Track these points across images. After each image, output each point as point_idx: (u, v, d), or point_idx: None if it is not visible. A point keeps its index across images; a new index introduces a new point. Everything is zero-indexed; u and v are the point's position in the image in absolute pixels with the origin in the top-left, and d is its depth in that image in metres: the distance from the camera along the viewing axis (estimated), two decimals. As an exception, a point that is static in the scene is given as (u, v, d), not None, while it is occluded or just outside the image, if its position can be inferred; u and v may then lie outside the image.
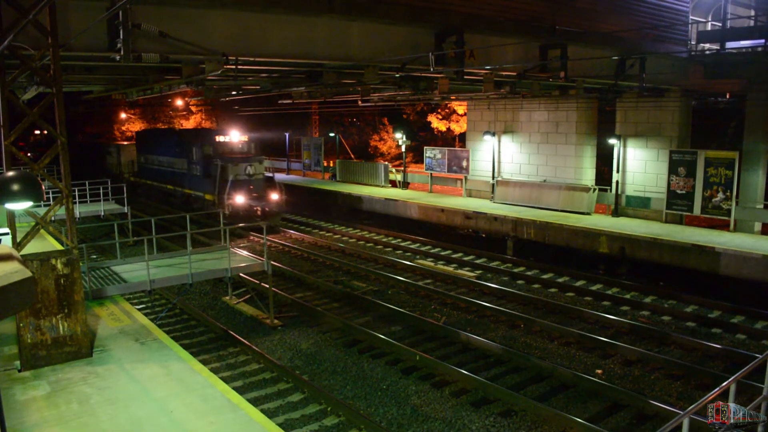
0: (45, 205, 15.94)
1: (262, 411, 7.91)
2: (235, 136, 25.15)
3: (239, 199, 22.54)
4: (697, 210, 18.78)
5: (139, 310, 12.26)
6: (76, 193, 20.94)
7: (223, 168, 23.08)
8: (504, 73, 14.94)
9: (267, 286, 13.61)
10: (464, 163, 26.40)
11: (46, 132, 61.68)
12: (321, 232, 24.45)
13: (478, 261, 19.09)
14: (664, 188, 19.61)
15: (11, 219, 8.69)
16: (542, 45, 14.52)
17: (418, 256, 19.77)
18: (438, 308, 14.49)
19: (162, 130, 46.98)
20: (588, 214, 20.91)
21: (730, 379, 5.23)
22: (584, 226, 18.68)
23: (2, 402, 4.63)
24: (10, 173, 5.77)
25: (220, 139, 24.85)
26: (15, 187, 5.39)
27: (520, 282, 16.77)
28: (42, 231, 8.91)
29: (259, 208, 23.21)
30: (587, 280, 16.77)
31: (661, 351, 11.82)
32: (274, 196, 23.77)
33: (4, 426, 4.43)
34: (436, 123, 40.37)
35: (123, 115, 57.50)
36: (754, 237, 17.28)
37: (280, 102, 24.56)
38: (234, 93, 20.39)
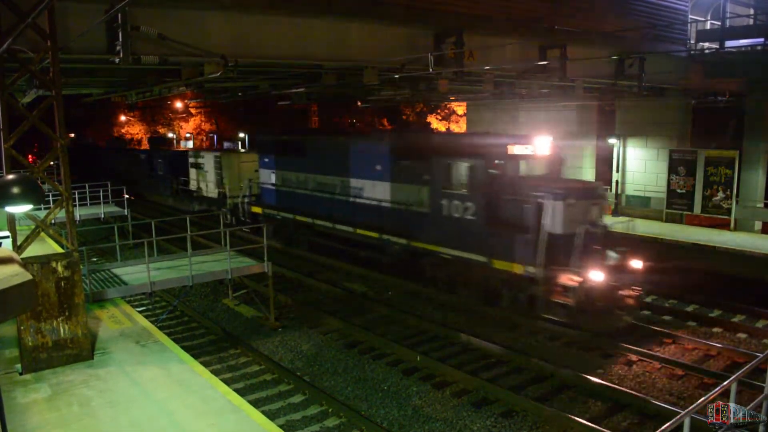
0: (45, 208, 15.97)
1: (263, 412, 7.91)
2: (543, 146, 13.99)
3: (596, 276, 11.42)
4: (697, 209, 18.80)
5: (140, 312, 12.27)
6: (76, 196, 20.97)
7: (547, 209, 12.01)
8: (503, 73, 14.95)
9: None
10: (464, 164, 26.27)
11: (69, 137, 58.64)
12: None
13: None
14: (664, 188, 19.63)
15: (11, 222, 8.69)
16: (541, 45, 14.52)
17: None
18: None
19: (341, 133, 28.92)
20: (588, 213, 20.77)
21: (730, 379, 5.23)
22: (584, 226, 18.58)
23: (3, 405, 4.63)
24: (10, 176, 5.77)
25: (516, 150, 13.56)
26: (15, 190, 5.37)
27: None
28: (42, 234, 8.91)
29: (632, 294, 12.05)
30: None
31: (662, 350, 11.80)
32: (637, 264, 12.22)
33: (6, 428, 4.43)
34: (436, 123, 40.43)
35: (122, 118, 57.58)
36: (754, 236, 17.28)
37: (280, 103, 24.54)
38: (232, 94, 20.40)
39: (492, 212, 13.07)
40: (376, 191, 16.36)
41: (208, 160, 26.94)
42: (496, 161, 13.28)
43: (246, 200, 22.43)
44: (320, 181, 18.57)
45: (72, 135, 56.96)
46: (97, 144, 54.23)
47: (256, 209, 21.81)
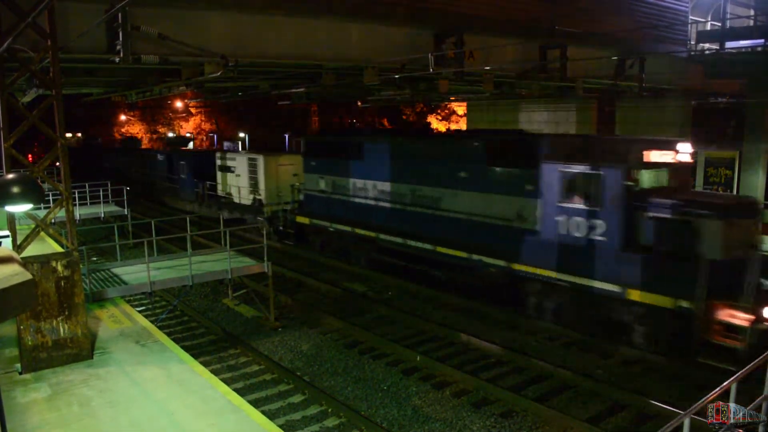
0: (45, 208, 15.98)
1: (263, 412, 7.91)
2: (684, 152, 12.13)
3: None
4: (697, 210, 18.79)
5: (140, 312, 12.26)
6: (76, 196, 20.97)
7: (706, 230, 10.18)
8: (503, 74, 14.97)
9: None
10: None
11: (77, 137, 55.80)
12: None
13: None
14: (664, 188, 19.62)
15: (11, 222, 8.70)
16: (542, 45, 14.55)
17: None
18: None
19: (412, 133, 25.29)
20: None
21: (730, 379, 5.22)
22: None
23: (3, 404, 4.63)
24: (10, 176, 5.77)
25: (654, 157, 11.68)
26: (15, 189, 5.39)
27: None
28: (42, 233, 8.91)
29: None
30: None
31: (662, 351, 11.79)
32: None
33: (5, 428, 4.43)
34: (436, 123, 40.43)
35: (122, 117, 57.59)
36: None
37: (280, 103, 24.57)
38: (232, 94, 20.40)
39: (629, 232, 10.97)
40: (462, 202, 14.13)
41: (240, 163, 24.03)
42: (633, 170, 11.13)
43: (277, 208, 20.57)
44: (385, 189, 16.22)
45: (79, 135, 55.84)
46: (108, 144, 53.40)
47: (302, 219, 19.35)
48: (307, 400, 9.81)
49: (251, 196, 23.12)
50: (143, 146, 51.38)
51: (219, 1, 10.30)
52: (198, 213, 25.98)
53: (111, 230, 17.38)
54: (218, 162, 25.84)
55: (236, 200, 24.14)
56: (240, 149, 33.64)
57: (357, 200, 17.19)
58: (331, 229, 18.02)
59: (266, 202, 22.03)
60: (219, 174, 25.68)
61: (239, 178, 24.03)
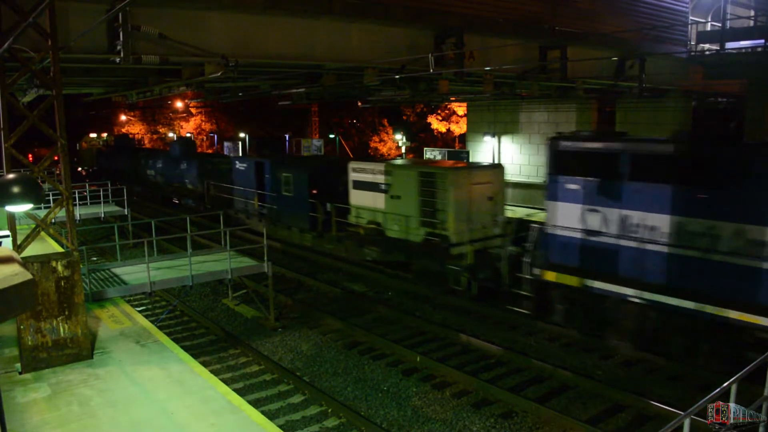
0: (45, 208, 15.97)
1: (263, 413, 7.90)
2: None
3: None
4: (697, 210, 18.75)
5: (140, 312, 12.26)
6: (77, 196, 20.98)
7: None
8: (503, 74, 14.96)
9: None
10: (465, 164, 25.90)
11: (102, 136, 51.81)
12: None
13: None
14: (665, 189, 19.56)
15: (12, 221, 8.69)
16: (542, 46, 14.55)
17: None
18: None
19: None
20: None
21: (730, 380, 5.21)
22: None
23: (3, 404, 4.63)
24: (11, 176, 5.78)
25: None
26: (15, 189, 5.39)
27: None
28: (42, 233, 8.91)
29: None
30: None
31: (662, 352, 11.78)
32: None
33: (5, 428, 4.43)
34: (436, 124, 40.43)
35: (123, 118, 57.60)
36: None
37: (280, 103, 24.52)
38: (233, 94, 20.39)
39: None
40: None
41: (400, 178, 16.14)
42: None
43: (528, 258, 12.61)
44: None
45: (105, 134, 49.58)
46: (149, 146, 48.92)
47: (562, 278, 11.96)
48: (306, 400, 9.81)
49: (422, 231, 15.45)
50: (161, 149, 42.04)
51: (219, 1, 10.29)
52: (318, 248, 17.73)
53: (111, 230, 17.35)
54: (354, 176, 17.74)
55: (392, 234, 16.47)
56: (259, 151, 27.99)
57: (709, 257, 9.83)
58: (638, 301, 10.84)
59: (456, 239, 14.63)
60: (354, 193, 17.77)
61: (399, 202, 16.11)
